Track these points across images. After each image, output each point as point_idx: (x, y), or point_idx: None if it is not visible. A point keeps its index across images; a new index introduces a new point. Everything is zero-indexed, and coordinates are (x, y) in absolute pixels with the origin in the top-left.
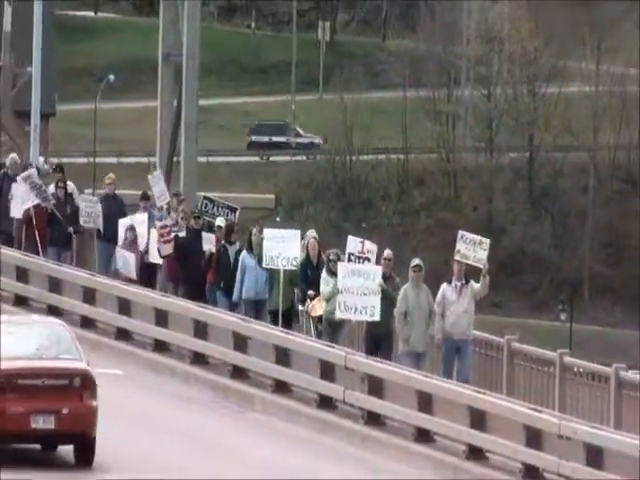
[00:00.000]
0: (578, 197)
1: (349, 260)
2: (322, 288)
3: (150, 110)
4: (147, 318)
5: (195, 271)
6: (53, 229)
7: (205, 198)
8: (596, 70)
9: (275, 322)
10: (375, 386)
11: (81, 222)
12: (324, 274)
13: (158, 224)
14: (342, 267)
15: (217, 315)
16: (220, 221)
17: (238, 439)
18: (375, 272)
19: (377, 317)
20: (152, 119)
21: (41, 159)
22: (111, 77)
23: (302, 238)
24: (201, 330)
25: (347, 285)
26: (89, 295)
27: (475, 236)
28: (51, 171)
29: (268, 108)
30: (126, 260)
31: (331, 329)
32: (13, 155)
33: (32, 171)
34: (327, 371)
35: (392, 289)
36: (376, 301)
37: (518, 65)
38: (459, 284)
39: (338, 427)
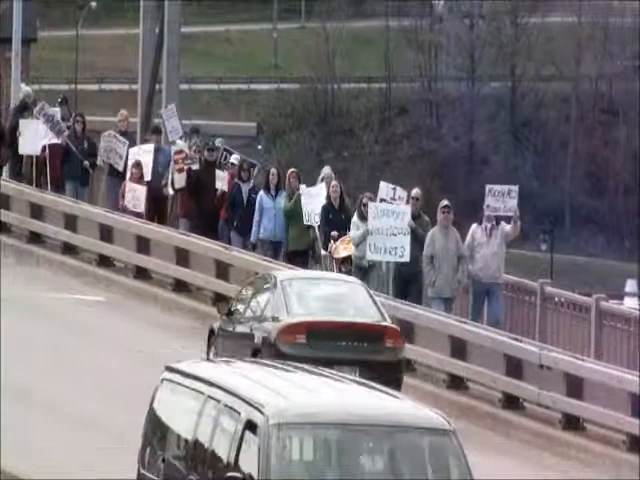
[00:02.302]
0: (560, 127)
1: None
2: (352, 232)
3: (132, 37)
4: (129, 246)
5: (208, 206)
6: (70, 163)
7: (225, 150)
8: (578, 1)
9: (293, 264)
10: None
11: (99, 159)
12: (355, 218)
13: (174, 148)
14: (372, 207)
15: (198, 242)
16: (234, 158)
17: None
18: (404, 212)
19: (407, 258)
20: (134, 46)
21: (23, 85)
22: (93, 4)
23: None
24: (183, 258)
25: (377, 226)
26: (70, 221)
27: (503, 187)
28: (57, 104)
29: (250, 36)
30: (135, 194)
31: (361, 274)
32: (27, 88)
33: (44, 103)
34: None
35: (422, 229)
36: (406, 241)
37: None
38: (489, 225)
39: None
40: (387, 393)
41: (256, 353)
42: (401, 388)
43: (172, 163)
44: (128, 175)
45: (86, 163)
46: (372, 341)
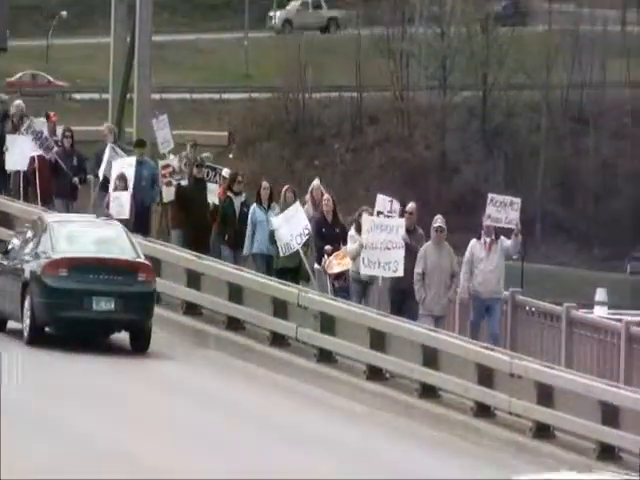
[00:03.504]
0: (531, 136)
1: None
2: (349, 246)
3: (103, 46)
4: None
5: (198, 220)
6: (58, 180)
7: (207, 167)
8: (549, 9)
9: (283, 279)
10: (328, 324)
11: (102, 171)
12: (352, 231)
13: (161, 163)
14: (367, 221)
15: (169, 251)
16: (226, 172)
17: (191, 376)
18: (399, 225)
19: (401, 272)
20: (105, 55)
21: (16, 101)
22: (63, 13)
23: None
24: (154, 267)
25: (371, 240)
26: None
27: (505, 197)
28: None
29: (221, 45)
30: (119, 201)
31: (360, 287)
32: (19, 102)
33: (32, 120)
34: (280, 308)
35: (416, 242)
36: (400, 256)
37: (471, 3)
38: (488, 240)
39: (291, 364)
40: None
41: (25, 286)
42: (152, 315)
43: (160, 177)
44: (112, 187)
45: (75, 180)
46: (127, 275)
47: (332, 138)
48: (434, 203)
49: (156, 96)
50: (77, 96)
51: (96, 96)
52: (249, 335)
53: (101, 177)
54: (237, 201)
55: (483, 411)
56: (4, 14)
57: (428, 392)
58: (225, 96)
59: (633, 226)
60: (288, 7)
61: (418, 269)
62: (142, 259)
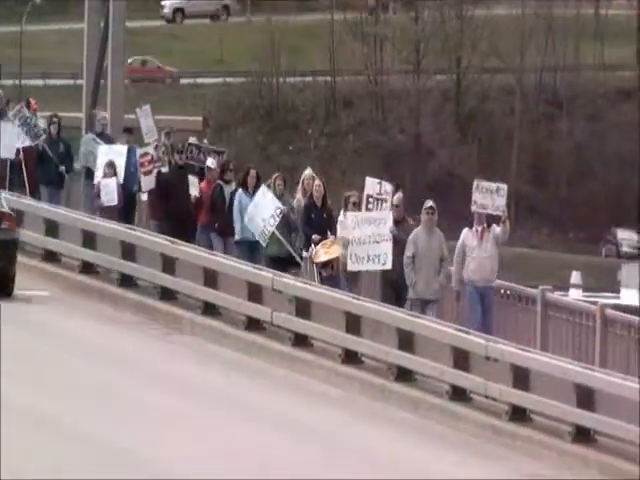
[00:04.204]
0: (505, 119)
1: (367, 202)
2: (339, 232)
3: (76, 32)
4: (74, 240)
5: (180, 209)
6: (44, 168)
7: (190, 144)
8: None
9: (274, 268)
10: (303, 308)
11: (75, 165)
12: (341, 217)
13: (139, 151)
14: (351, 217)
15: (144, 237)
16: (210, 162)
17: (166, 361)
18: (386, 218)
19: (389, 265)
20: (79, 41)
21: None
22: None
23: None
24: (129, 252)
25: (357, 235)
26: (18, 217)
27: (491, 184)
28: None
29: (196, 31)
30: (108, 187)
31: (350, 276)
32: None
33: (21, 105)
34: (255, 293)
35: (405, 234)
36: (388, 248)
37: None
38: (480, 228)
39: (266, 349)
40: None
41: None
42: (15, 262)
43: (138, 166)
44: (101, 174)
45: (62, 168)
46: None
47: (306, 123)
48: (409, 187)
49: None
50: (51, 82)
51: (70, 82)
52: (224, 320)
53: (79, 167)
54: (227, 189)
55: (459, 395)
56: None
57: (404, 375)
58: (199, 81)
59: (607, 209)
60: None
61: (408, 253)
62: (6, 209)
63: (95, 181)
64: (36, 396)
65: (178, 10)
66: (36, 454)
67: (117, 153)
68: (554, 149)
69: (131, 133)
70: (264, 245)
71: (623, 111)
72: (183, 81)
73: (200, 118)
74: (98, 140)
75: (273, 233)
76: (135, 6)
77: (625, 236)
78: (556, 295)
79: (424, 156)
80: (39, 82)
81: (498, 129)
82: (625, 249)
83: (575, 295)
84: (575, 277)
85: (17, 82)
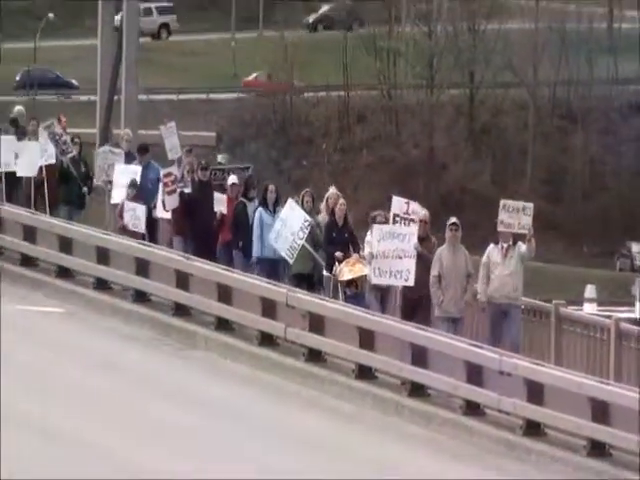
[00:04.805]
0: (518, 134)
1: (394, 222)
2: (366, 251)
3: (90, 48)
4: (88, 256)
5: (203, 226)
6: (67, 187)
7: (214, 169)
8: (535, 6)
9: (299, 286)
10: (316, 323)
11: (96, 177)
12: (368, 237)
13: (162, 172)
14: (377, 230)
15: (158, 252)
16: (233, 179)
17: (180, 377)
18: (410, 233)
19: (411, 282)
20: (93, 57)
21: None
22: (51, 15)
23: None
24: (143, 268)
25: (381, 249)
26: (29, 233)
27: (517, 203)
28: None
29: (208, 46)
30: (135, 213)
31: (378, 293)
32: (19, 107)
33: (52, 121)
34: (268, 308)
35: (428, 251)
36: (411, 265)
37: (458, 2)
38: (505, 245)
39: (279, 364)
40: None
41: None
42: None
43: (161, 186)
44: (123, 194)
45: (85, 189)
46: None
47: (320, 137)
48: (422, 201)
49: (143, 97)
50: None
51: (84, 98)
52: (238, 335)
53: (100, 183)
54: (251, 207)
55: (472, 409)
56: None
57: (417, 390)
58: (213, 96)
59: (622, 223)
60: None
61: (434, 272)
62: None
63: (115, 199)
64: (51, 411)
65: (116, 29)
66: (58, 472)
67: (132, 173)
68: (568, 163)
69: (146, 152)
70: (291, 261)
71: (637, 125)
72: (194, 96)
73: (213, 134)
74: (115, 151)
75: (302, 247)
76: None
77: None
78: (570, 309)
79: (437, 170)
80: (53, 98)
81: (512, 143)
82: (639, 263)
83: (589, 309)
84: (589, 291)
85: (31, 98)
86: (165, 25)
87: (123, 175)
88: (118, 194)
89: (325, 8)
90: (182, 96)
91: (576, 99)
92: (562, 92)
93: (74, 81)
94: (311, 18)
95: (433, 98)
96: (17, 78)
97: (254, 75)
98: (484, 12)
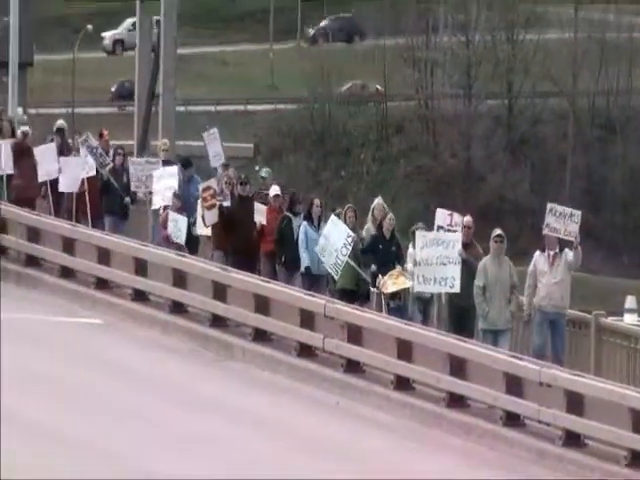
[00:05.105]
0: (557, 144)
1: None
2: (409, 264)
3: (128, 59)
4: (126, 267)
5: (244, 241)
6: (109, 198)
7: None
8: (574, 16)
9: (344, 301)
10: (355, 334)
11: (132, 188)
12: (411, 249)
13: (200, 186)
14: (420, 237)
15: (196, 264)
16: (275, 190)
17: (218, 388)
18: (455, 240)
19: (457, 289)
20: (130, 68)
21: (19, 109)
22: (89, 27)
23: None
24: (180, 279)
25: (425, 256)
26: (68, 245)
27: (565, 208)
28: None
29: (246, 57)
30: (177, 225)
31: (421, 305)
32: (60, 121)
33: (88, 134)
34: (307, 319)
35: (474, 258)
36: (456, 271)
37: (496, 11)
38: (552, 253)
39: (318, 375)
40: None
41: None
42: None
43: (200, 201)
44: (166, 202)
45: (127, 200)
46: None
47: (358, 148)
48: (460, 212)
49: (181, 108)
50: (103, 110)
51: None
52: (276, 346)
53: (141, 194)
54: (296, 222)
55: (512, 420)
56: (30, 28)
57: (456, 401)
58: (250, 107)
59: None
60: (119, 28)
61: (479, 282)
62: None
63: (155, 206)
64: (91, 426)
65: (118, 42)
66: None
67: (169, 175)
68: (607, 173)
69: (190, 166)
70: (336, 277)
71: None
72: (232, 107)
73: (250, 145)
74: (152, 160)
75: (346, 263)
76: (186, 33)
77: None
78: (610, 320)
79: (475, 181)
80: (91, 110)
81: (551, 153)
82: None
83: (629, 320)
84: (630, 302)
85: (69, 110)
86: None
87: (161, 179)
88: (157, 199)
89: (325, 21)
90: (219, 107)
91: (615, 109)
92: (601, 102)
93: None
94: (312, 30)
95: (471, 108)
96: (112, 89)
97: (349, 84)
98: (522, 22)
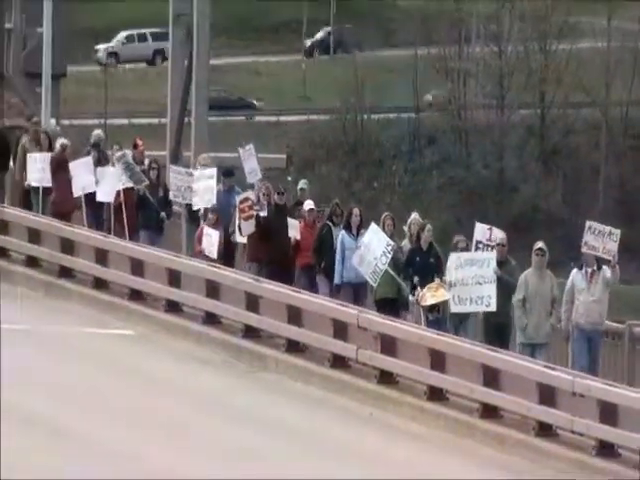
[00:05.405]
0: (590, 154)
1: (476, 248)
2: (448, 278)
3: (161, 70)
4: (159, 279)
5: (280, 251)
6: (145, 213)
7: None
8: (607, 26)
9: (383, 311)
10: (388, 345)
11: (171, 196)
12: (450, 262)
13: (238, 198)
14: (453, 259)
15: (228, 275)
16: (309, 204)
17: (251, 399)
18: (489, 259)
19: (493, 307)
20: (163, 80)
21: (52, 121)
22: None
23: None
24: (213, 290)
25: (460, 277)
26: (101, 256)
27: (604, 227)
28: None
29: (279, 67)
30: (210, 239)
31: (458, 319)
32: (98, 131)
33: (124, 152)
34: (340, 330)
35: (509, 275)
36: (492, 290)
37: (529, 22)
38: (590, 270)
39: (351, 386)
40: None
41: None
42: None
43: (237, 211)
44: (204, 217)
45: (163, 215)
46: None
47: (391, 159)
48: (493, 223)
49: (213, 119)
50: (135, 121)
51: (154, 121)
52: (309, 357)
53: (177, 207)
54: (336, 231)
55: (545, 430)
56: (63, 39)
57: (489, 412)
58: (283, 118)
59: None
60: (112, 41)
61: (519, 295)
62: None
63: (195, 206)
64: (125, 437)
65: (112, 54)
66: None
67: (208, 177)
68: None
69: (231, 176)
70: (374, 285)
71: None
72: (264, 118)
73: (283, 156)
74: (192, 172)
75: (385, 271)
76: (220, 43)
77: None
78: None
79: (508, 191)
80: (124, 121)
81: (584, 163)
82: None
83: None
84: None
85: (102, 122)
86: (160, 51)
87: (200, 181)
88: (197, 200)
89: (321, 33)
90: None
91: None
92: (634, 111)
93: (255, 101)
94: (308, 42)
95: (503, 118)
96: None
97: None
98: (555, 32)
